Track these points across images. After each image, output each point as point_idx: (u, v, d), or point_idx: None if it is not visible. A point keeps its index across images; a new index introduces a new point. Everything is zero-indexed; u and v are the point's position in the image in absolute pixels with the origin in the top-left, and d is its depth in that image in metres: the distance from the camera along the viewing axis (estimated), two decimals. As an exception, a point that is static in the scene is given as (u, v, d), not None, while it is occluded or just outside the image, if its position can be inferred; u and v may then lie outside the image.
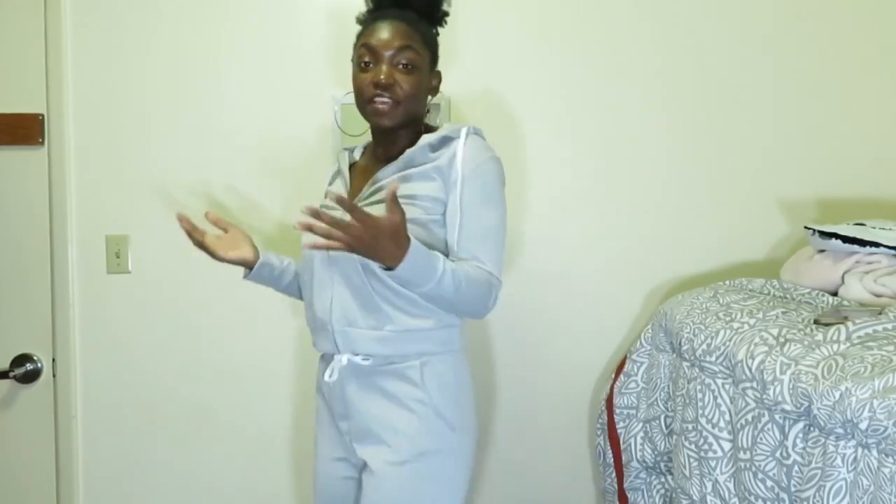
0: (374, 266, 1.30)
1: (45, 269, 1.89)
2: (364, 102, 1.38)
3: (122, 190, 1.95)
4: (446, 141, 1.40)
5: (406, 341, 1.38)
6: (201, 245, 1.46)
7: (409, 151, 1.39)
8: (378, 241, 1.19)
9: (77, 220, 1.94)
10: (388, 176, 1.40)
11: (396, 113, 1.37)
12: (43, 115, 1.87)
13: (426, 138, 1.40)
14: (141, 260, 1.96)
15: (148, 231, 1.96)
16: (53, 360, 1.90)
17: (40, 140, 1.86)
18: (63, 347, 1.91)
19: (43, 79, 1.87)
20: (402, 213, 1.20)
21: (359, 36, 1.42)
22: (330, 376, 1.42)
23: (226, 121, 1.96)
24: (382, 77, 1.34)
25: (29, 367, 1.88)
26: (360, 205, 1.33)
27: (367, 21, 1.41)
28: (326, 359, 1.48)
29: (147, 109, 1.94)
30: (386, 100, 1.35)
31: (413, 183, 1.38)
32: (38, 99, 1.87)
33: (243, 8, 1.94)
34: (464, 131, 1.40)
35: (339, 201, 1.15)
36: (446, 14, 1.46)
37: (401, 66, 1.36)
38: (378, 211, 1.30)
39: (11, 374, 1.85)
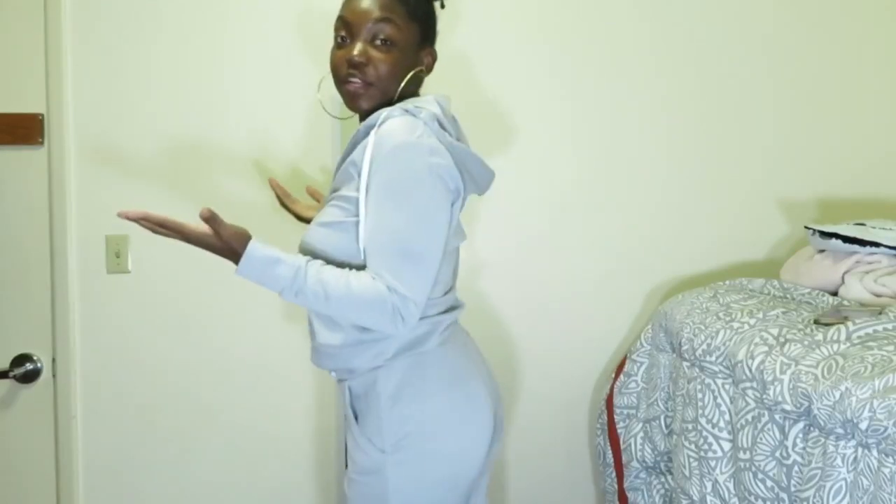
0: None
1: (45, 268, 1.89)
2: (338, 82, 1.25)
3: (122, 190, 1.95)
4: (367, 129, 1.23)
5: (325, 355, 1.32)
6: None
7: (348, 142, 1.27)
8: (202, 246, 1.20)
9: (77, 220, 1.94)
10: (335, 172, 1.30)
11: (370, 94, 1.23)
12: (43, 115, 1.86)
13: (361, 126, 1.24)
14: (141, 260, 1.96)
15: (148, 231, 1.95)
16: (53, 359, 1.90)
17: (40, 140, 1.86)
18: (63, 347, 1.91)
19: (43, 79, 1.86)
20: (217, 226, 1.17)
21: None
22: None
23: (226, 120, 1.95)
24: (355, 53, 1.20)
25: (29, 366, 1.87)
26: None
27: None
28: None
29: (147, 109, 1.94)
30: (357, 80, 1.22)
31: (336, 182, 1.28)
32: (38, 99, 1.87)
33: (243, 9, 1.94)
34: (384, 114, 1.20)
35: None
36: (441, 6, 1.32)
37: (378, 42, 1.21)
38: (320, 214, 1.27)
39: (11, 373, 1.85)
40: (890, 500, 1.13)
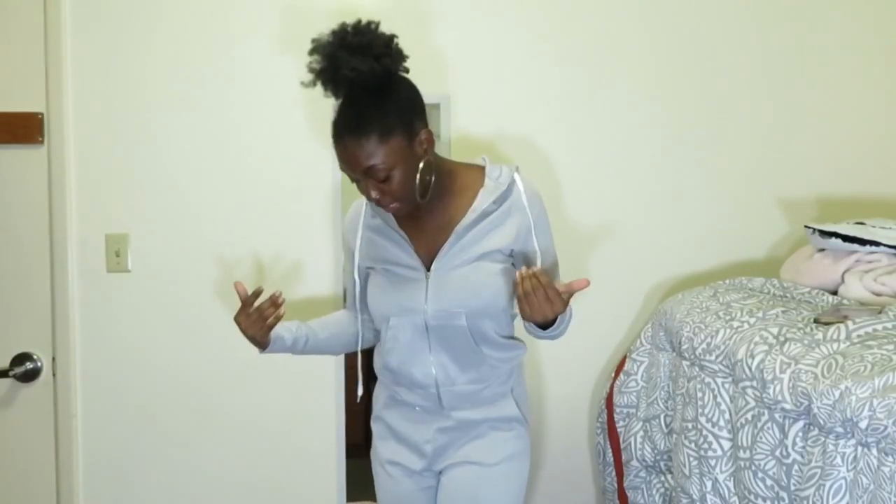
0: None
1: (45, 268, 1.89)
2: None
3: (121, 189, 1.94)
4: (507, 188, 1.42)
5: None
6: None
7: (480, 208, 1.39)
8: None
9: (77, 219, 1.93)
10: (468, 232, 1.39)
11: (402, 206, 1.34)
12: (43, 114, 1.86)
13: (489, 191, 1.40)
14: (141, 259, 1.96)
15: (148, 230, 1.96)
16: (53, 359, 1.90)
17: (40, 139, 1.86)
18: (63, 346, 1.91)
19: (43, 78, 1.86)
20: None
21: None
22: None
23: (225, 119, 1.95)
24: (373, 195, 1.32)
25: (29, 365, 1.87)
26: (444, 260, 1.39)
27: (334, 137, 1.34)
28: None
29: (147, 109, 1.94)
30: (385, 206, 1.34)
31: (492, 236, 1.41)
32: (38, 98, 1.86)
33: (243, 8, 1.94)
34: (514, 175, 1.42)
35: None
36: (406, 71, 1.34)
37: (378, 180, 1.30)
38: (470, 270, 1.38)
39: (11, 372, 1.84)
40: (890, 498, 1.13)
